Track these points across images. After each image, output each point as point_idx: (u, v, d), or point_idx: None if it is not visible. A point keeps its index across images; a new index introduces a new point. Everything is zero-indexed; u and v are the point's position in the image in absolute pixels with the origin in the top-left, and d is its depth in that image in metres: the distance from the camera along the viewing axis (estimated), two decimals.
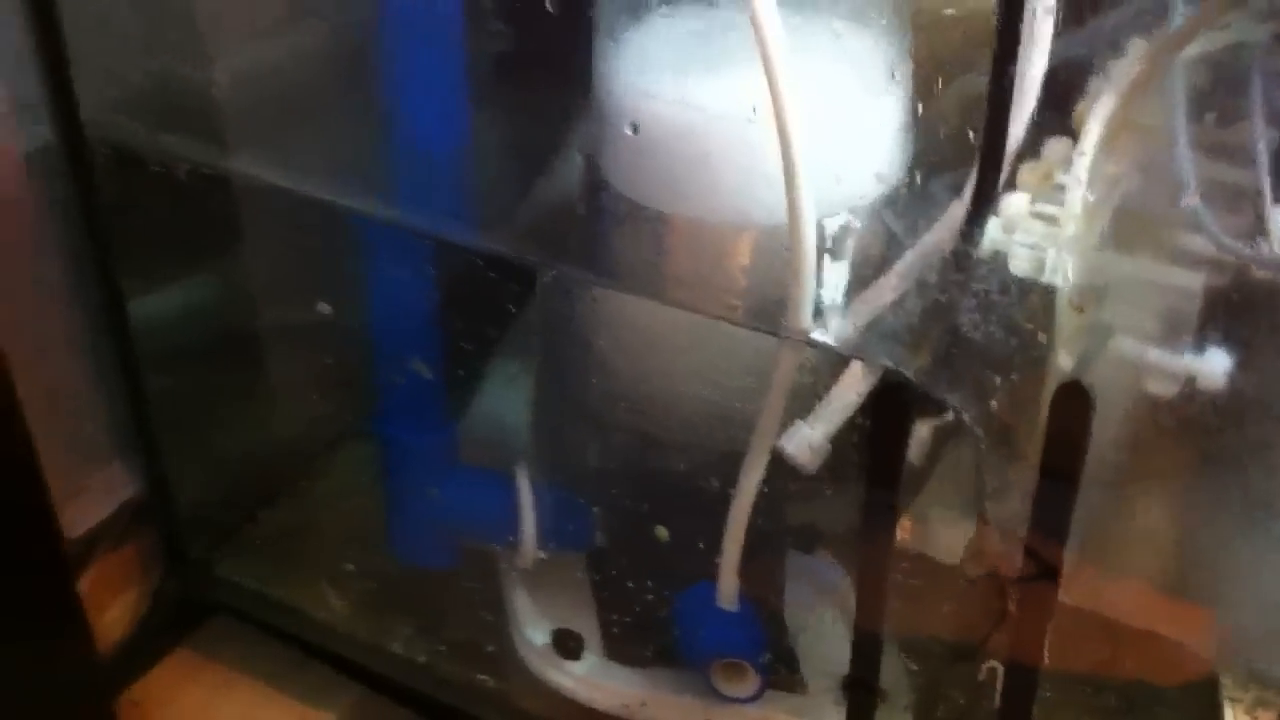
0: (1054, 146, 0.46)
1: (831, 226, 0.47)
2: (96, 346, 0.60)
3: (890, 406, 0.44)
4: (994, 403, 0.43)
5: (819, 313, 0.45)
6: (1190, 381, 0.42)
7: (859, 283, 0.47)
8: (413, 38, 0.51)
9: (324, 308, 0.54)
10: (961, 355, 0.43)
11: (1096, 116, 0.44)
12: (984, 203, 0.42)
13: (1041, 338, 0.43)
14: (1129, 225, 0.44)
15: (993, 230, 0.44)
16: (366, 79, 0.51)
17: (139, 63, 0.52)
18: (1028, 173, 0.46)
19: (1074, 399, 0.41)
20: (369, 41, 0.51)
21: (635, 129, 0.49)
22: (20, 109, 0.55)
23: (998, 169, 0.41)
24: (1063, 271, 0.43)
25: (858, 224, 0.48)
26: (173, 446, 0.62)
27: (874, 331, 0.45)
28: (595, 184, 0.51)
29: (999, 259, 0.43)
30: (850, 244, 0.47)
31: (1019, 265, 0.43)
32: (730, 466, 0.50)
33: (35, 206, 0.56)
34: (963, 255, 0.43)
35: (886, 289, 0.46)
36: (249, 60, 0.54)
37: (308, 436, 0.68)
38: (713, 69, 0.49)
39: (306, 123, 0.53)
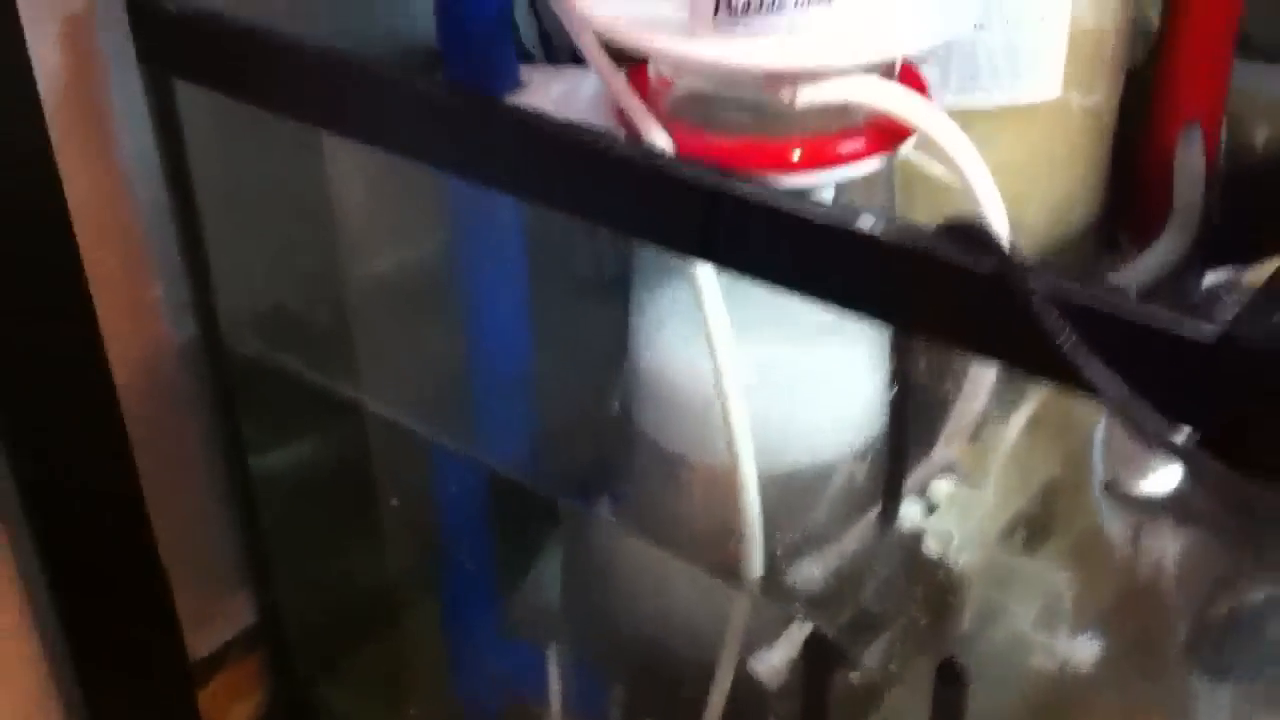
0: (994, 431, 0.53)
1: (797, 481, 0.55)
2: (224, 493, 0.72)
3: (815, 655, 0.51)
4: (893, 667, 0.50)
5: (773, 565, 0.53)
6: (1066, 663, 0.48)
7: (811, 540, 0.54)
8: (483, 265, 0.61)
9: (394, 502, 0.65)
10: (873, 622, 0.50)
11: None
12: (895, 490, 0.50)
13: (938, 611, 0.49)
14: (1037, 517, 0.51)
15: (913, 510, 0.51)
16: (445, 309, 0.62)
17: (260, 284, 0.64)
18: (965, 455, 0.53)
19: (952, 675, 0.47)
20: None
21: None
22: (180, 306, 0.67)
23: (901, 471, 0.49)
24: (967, 555, 0.50)
25: (824, 479, 0.56)
26: (286, 581, 0.73)
27: (813, 586, 0.53)
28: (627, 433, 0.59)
29: (915, 538, 0.51)
30: (811, 500, 0.55)
31: (930, 546, 0.50)
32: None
33: (184, 383, 0.68)
34: (883, 530, 0.51)
35: (831, 550, 0.53)
36: (352, 291, 0.65)
37: (406, 577, 0.78)
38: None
39: (395, 346, 0.64)
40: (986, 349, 0.40)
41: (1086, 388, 0.36)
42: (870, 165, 0.52)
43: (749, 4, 0.46)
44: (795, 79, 0.48)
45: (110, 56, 0.61)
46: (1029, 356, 0.38)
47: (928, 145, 0.51)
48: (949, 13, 0.51)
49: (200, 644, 0.74)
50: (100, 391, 0.64)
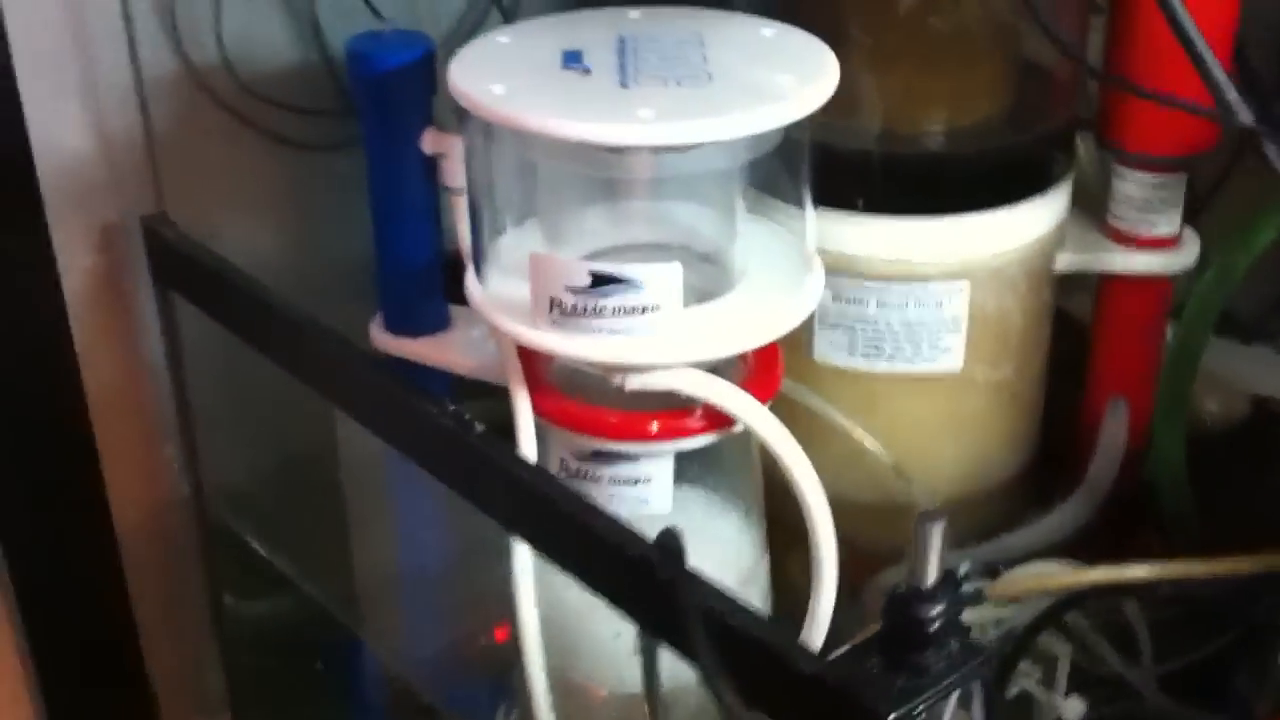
0: None
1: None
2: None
3: None
4: None
5: None
6: None
7: None
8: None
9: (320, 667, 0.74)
10: None
11: None
12: None
13: None
14: None
15: None
16: None
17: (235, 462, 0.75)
18: None
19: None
20: None
21: None
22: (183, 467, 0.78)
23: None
24: None
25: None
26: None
27: None
28: None
29: None
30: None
31: None
32: None
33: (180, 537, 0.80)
34: None
35: None
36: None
37: None
38: None
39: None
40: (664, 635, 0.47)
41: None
42: (705, 439, 0.59)
43: (575, 306, 0.54)
44: (621, 369, 0.56)
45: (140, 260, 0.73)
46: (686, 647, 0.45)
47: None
48: (778, 314, 0.58)
49: None
50: (102, 536, 0.75)
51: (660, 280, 0.54)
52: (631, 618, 0.49)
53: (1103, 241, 0.74)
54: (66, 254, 0.70)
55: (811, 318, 0.70)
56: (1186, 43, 0.47)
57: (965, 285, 0.69)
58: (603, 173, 0.56)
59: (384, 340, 0.66)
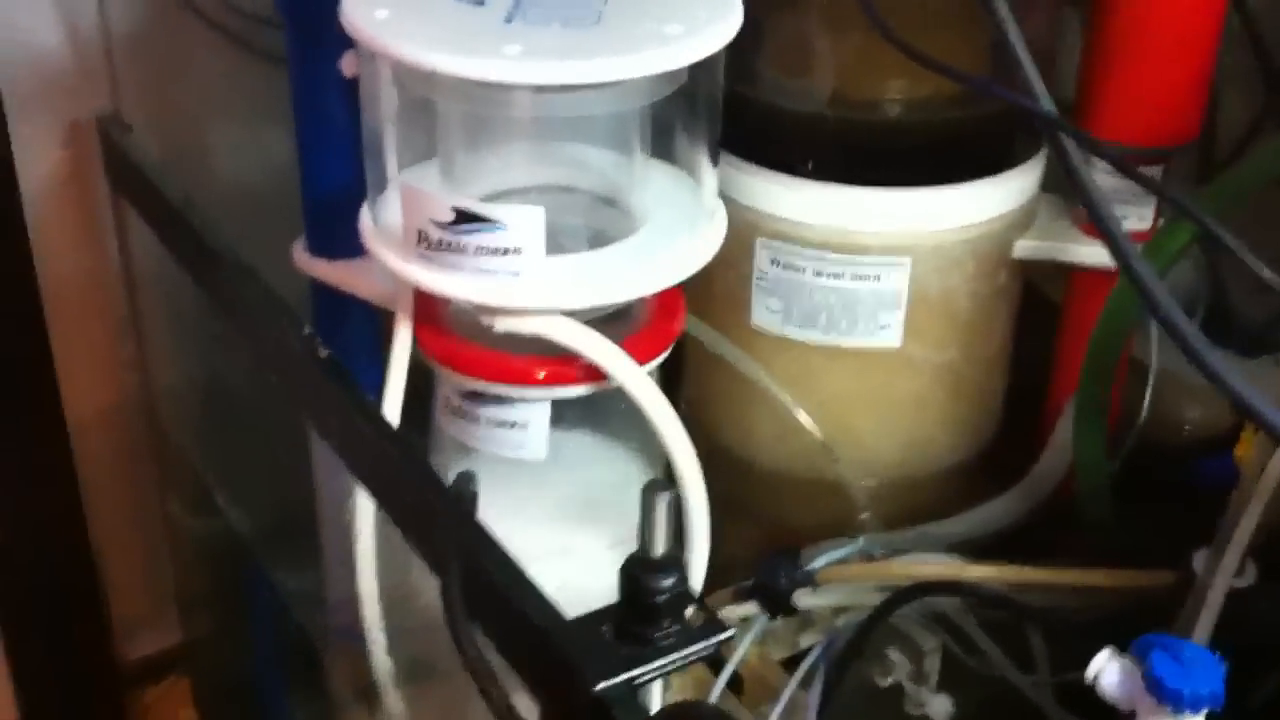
0: None
1: None
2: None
3: None
4: None
5: None
6: None
7: None
8: None
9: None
10: None
11: None
12: None
13: None
14: None
15: None
16: None
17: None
18: None
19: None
20: None
21: None
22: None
23: None
24: None
25: None
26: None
27: None
28: None
29: None
30: None
31: None
32: None
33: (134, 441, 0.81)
34: None
35: None
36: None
37: None
38: None
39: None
40: None
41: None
42: (582, 389, 0.58)
43: (441, 241, 0.54)
44: (485, 311, 0.55)
45: None
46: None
47: None
48: (654, 268, 0.56)
49: (132, 649, 0.87)
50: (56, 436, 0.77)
51: (523, 222, 0.53)
52: (421, 555, 0.49)
53: (1070, 231, 0.70)
54: (30, 148, 0.71)
55: (749, 281, 0.69)
56: (996, 26, 0.44)
57: (906, 261, 0.66)
58: (486, 110, 0.55)
59: (304, 261, 0.67)
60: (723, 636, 0.41)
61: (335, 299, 0.66)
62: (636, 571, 0.39)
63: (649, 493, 0.39)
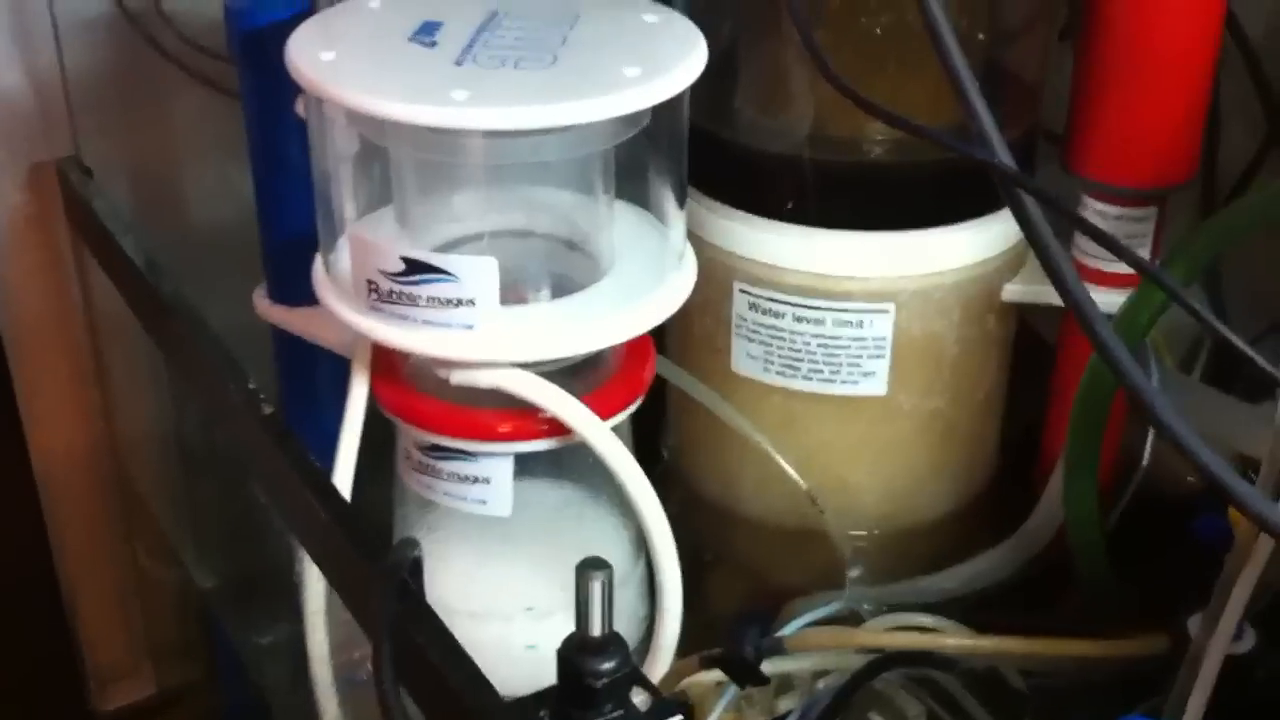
0: None
1: None
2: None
3: None
4: None
5: None
6: None
7: None
8: None
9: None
10: None
11: None
12: None
13: None
14: None
15: None
16: None
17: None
18: None
19: None
20: None
21: None
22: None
23: None
24: None
25: None
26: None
27: None
28: None
29: None
30: None
31: None
32: None
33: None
34: None
35: None
36: None
37: None
38: None
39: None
40: None
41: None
42: (545, 444, 0.56)
43: (391, 292, 0.51)
44: (438, 363, 0.53)
45: None
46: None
47: None
48: (615, 320, 0.54)
49: (108, 700, 0.85)
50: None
51: (476, 272, 0.50)
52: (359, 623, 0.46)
53: None
54: None
55: (729, 326, 0.67)
56: (944, 58, 0.41)
57: (890, 307, 0.64)
58: (438, 156, 0.53)
59: (264, 307, 0.65)
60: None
61: (299, 346, 0.64)
62: (573, 654, 0.37)
63: (582, 572, 0.36)
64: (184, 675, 0.82)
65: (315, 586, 0.54)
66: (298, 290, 0.63)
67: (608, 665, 0.37)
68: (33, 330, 0.73)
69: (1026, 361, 0.73)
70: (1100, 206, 0.65)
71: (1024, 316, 0.71)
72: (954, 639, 0.53)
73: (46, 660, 0.80)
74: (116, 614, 0.83)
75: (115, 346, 0.74)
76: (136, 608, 0.83)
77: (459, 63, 0.51)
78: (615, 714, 0.37)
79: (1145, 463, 0.69)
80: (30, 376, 0.73)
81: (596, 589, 0.36)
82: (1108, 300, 0.65)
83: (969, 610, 0.63)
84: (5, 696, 0.79)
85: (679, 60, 0.51)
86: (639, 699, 0.38)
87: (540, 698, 0.39)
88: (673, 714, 0.38)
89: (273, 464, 0.51)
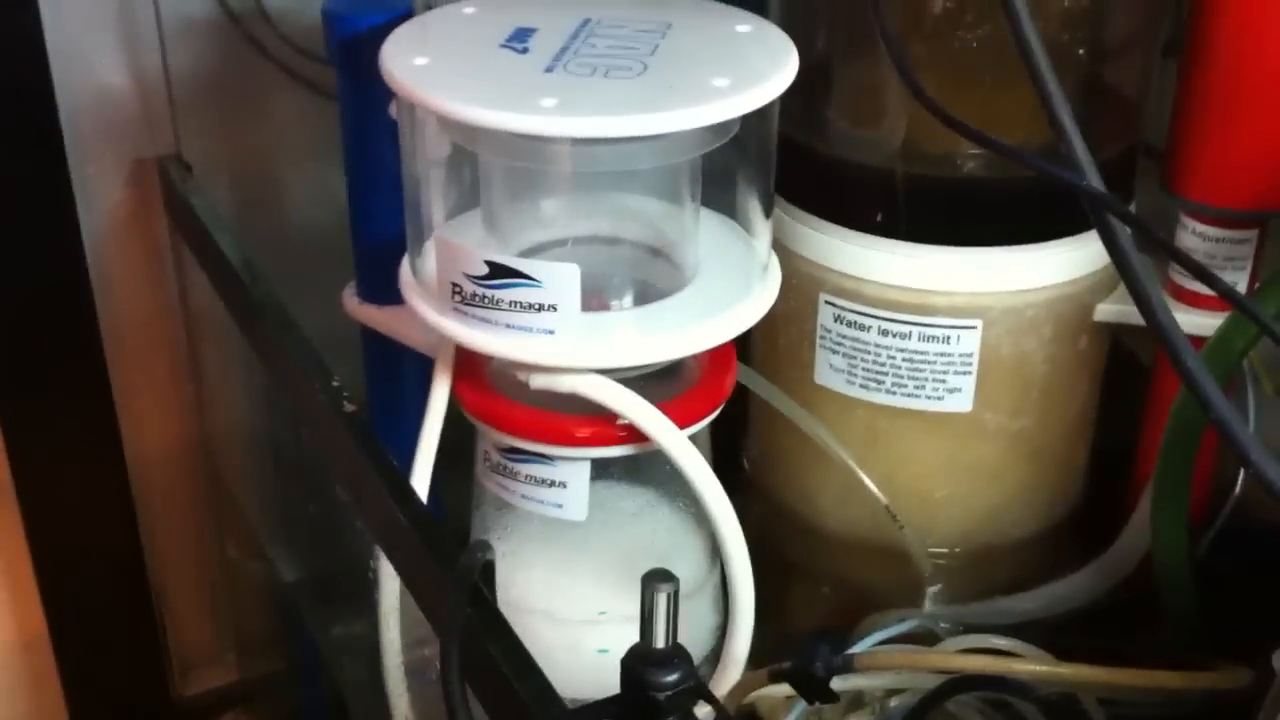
0: None
1: None
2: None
3: None
4: None
5: None
6: None
7: None
8: None
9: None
10: None
11: None
12: None
13: None
14: None
15: None
16: None
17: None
18: None
19: None
20: None
21: None
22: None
23: None
24: None
25: None
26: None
27: None
28: None
29: None
30: None
31: None
32: None
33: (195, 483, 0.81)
34: None
35: None
36: None
37: None
38: None
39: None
40: None
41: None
42: (623, 450, 0.56)
43: (475, 295, 0.52)
44: (519, 367, 0.53)
45: None
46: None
47: None
48: (698, 330, 0.54)
49: (191, 686, 0.86)
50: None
51: (558, 278, 0.51)
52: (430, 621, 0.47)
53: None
54: (93, 187, 0.71)
55: (813, 337, 0.66)
56: (1035, 78, 0.41)
57: (978, 323, 0.63)
58: (525, 162, 0.53)
59: (353, 306, 0.65)
60: None
61: (386, 345, 0.65)
62: (636, 665, 0.37)
63: (648, 583, 0.36)
64: (266, 666, 0.83)
65: (389, 585, 0.54)
66: (386, 290, 0.64)
67: (671, 678, 0.37)
68: (133, 325, 0.74)
69: (1121, 382, 0.72)
70: (1199, 228, 0.63)
71: (1119, 336, 0.70)
72: (1028, 664, 0.52)
73: (132, 645, 0.82)
74: (204, 602, 0.84)
75: (210, 343, 0.75)
76: (223, 598, 0.84)
77: (549, 70, 0.51)
78: None
79: (1237, 492, 0.68)
80: (128, 371, 0.75)
81: (662, 601, 0.36)
82: (1204, 323, 0.64)
83: (1050, 634, 0.62)
84: (91, 679, 0.81)
85: (769, 71, 0.51)
86: (702, 711, 0.38)
87: (602, 707, 0.39)
88: None
89: (352, 462, 0.52)
